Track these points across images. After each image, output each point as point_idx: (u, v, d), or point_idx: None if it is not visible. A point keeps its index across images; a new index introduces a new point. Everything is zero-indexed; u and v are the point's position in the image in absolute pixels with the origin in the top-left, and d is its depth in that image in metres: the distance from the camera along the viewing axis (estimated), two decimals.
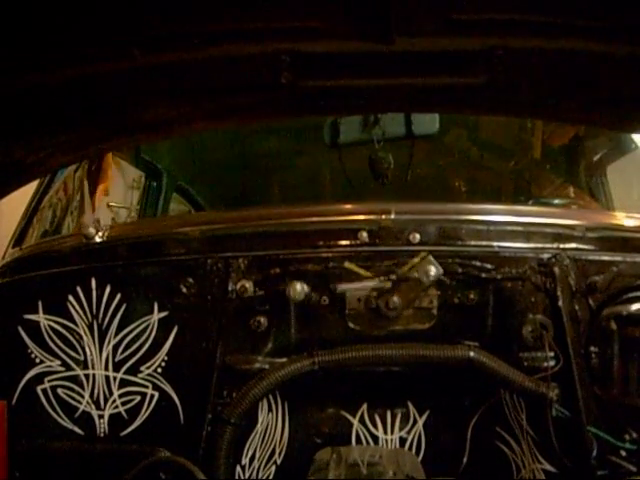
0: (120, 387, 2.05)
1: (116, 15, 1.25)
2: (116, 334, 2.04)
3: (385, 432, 2.13)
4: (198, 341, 2.02)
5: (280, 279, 1.99)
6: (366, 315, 2.01)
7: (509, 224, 2.07)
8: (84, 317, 2.05)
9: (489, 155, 3.73)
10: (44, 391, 2.07)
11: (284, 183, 3.76)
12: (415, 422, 2.13)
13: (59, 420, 2.07)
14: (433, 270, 1.91)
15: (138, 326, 2.03)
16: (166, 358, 2.03)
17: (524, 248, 2.01)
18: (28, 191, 2.77)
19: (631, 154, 3.33)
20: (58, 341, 2.06)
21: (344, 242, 2.02)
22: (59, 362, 2.07)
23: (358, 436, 2.14)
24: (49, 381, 2.07)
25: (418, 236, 1.99)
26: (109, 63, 1.36)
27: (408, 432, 2.13)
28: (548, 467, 2.01)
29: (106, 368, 2.05)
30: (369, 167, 2.84)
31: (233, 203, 3.50)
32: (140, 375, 2.04)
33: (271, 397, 2.10)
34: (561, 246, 2.01)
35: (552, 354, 1.94)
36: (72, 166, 3.00)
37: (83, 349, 2.06)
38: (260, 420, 2.10)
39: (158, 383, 2.04)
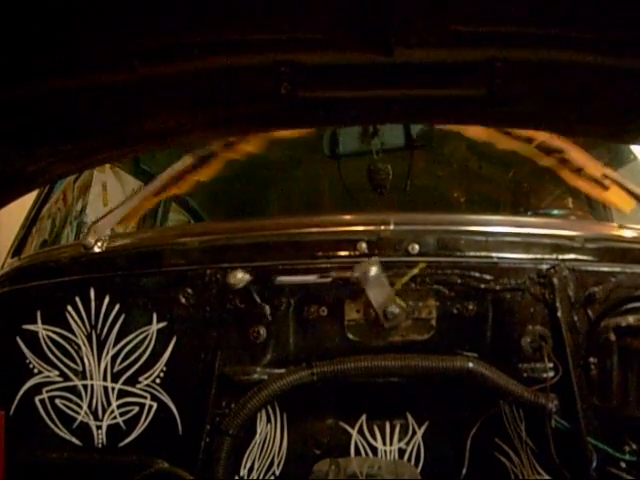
0: (118, 398, 2.05)
1: (116, 26, 1.25)
2: (115, 344, 2.04)
3: (384, 443, 2.13)
4: (197, 352, 2.02)
5: (279, 290, 1.99)
6: (365, 326, 2.01)
7: (508, 235, 2.07)
8: (83, 327, 2.05)
9: (488, 166, 3.73)
10: (42, 401, 2.07)
11: (283, 193, 3.76)
12: (414, 433, 2.12)
13: (57, 431, 2.07)
14: (374, 269, 1.90)
15: (137, 336, 2.03)
16: (165, 369, 2.03)
17: (523, 259, 2.02)
18: (27, 201, 2.77)
19: (629, 165, 3.34)
20: (56, 351, 2.06)
21: (343, 253, 2.02)
22: (57, 372, 2.06)
23: (357, 447, 2.13)
24: (47, 391, 2.06)
25: (417, 247, 1.99)
26: (109, 73, 1.36)
27: (407, 443, 2.12)
28: (547, 478, 2.01)
29: (104, 379, 2.05)
30: (368, 178, 2.84)
31: (232, 213, 3.50)
32: (138, 386, 2.04)
33: (270, 408, 2.10)
34: (560, 257, 2.01)
35: (551, 365, 1.94)
36: (71, 176, 3.00)
37: (81, 359, 2.06)
38: (259, 431, 2.09)
39: (156, 394, 2.03)
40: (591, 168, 2.13)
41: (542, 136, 2.11)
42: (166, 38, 1.30)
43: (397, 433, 2.13)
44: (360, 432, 2.13)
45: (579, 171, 2.09)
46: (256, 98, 1.53)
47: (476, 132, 2.06)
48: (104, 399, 2.05)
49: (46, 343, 2.06)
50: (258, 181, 3.65)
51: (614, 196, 2.14)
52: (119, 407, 2.05)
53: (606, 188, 2.12)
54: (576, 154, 2.12)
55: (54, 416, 2.07)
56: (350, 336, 2.02)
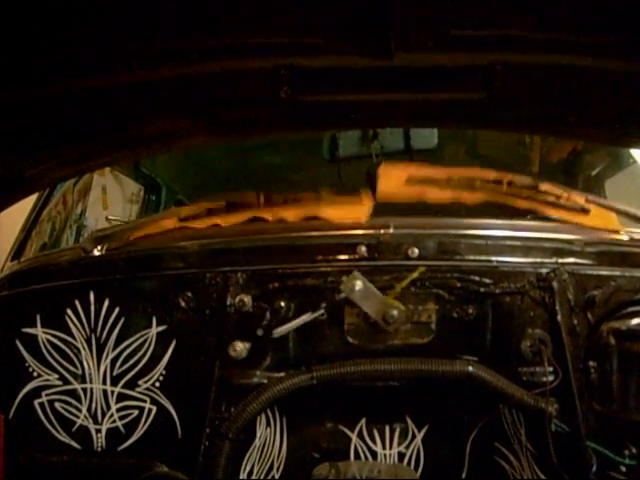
0: (118, 401, 2.05)
1: (116, 29, 1.25)
2: (114, 348, 2.04)
3: (384, 447, 2.12)
4: (196, 355, 2.01)
5: (279, 293, 1.99)
6: (365, 329, 2.01)
7: (508, 239, 2.07)
8: (82, 331, 2.04)
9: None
10: (41, 405, 2.06)
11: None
12: (414, 437, 2.12)
13: (56, 434, 2.06)
14: (359, 284, 1.92)
15: (136, 340, 2.03)
16: (164, 372, 2.02)
17: (523, 263, 2.01)
18: (27, 204, 2.77)
19: (629, 169, 3.34)
20: (56, 355, 2.05)
21: (343, 256, 2.02)
22: (57, 376, 2.06)
23: (357, 451, 2.12)
24: (47, 395, 2.06)
25: (417, 251, 1.99)
26: (109, 77, 1.37)
27: (407, 447, 2.12)
28: None
29: (104, 382, 2.04)
30: (367, 181, 2.84)
31: None
32: (138, 389, 2.04)
33: (269, 412, 2.09)
34: (560, 261, 2.00)
35: (551, 369, 1.94)
36: (71, 179, 3.01)
37: (81, 363, 2.05)
38: (258, 435, 2.09)
39: (156, 397, 2.03)
40: (568, 196, 2.16)
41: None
42: (166, 42, 1.30)
43: (397, 437, 2.13)
44: (360, 436, 2.13)
45: (556, 203, 2.12)
46: (256, 102, 1.53)
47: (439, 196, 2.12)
48: (103, 403, 2.05)
49: (45, 347, 2.05)
50: (258, 185, 3.65)
51: (596, 218, 2.15)
52: (118, 411, 2.05)
53: (587, 212, 2.13)
54: (549, 187, 2.16)
55: (53, 420, 2.06)
56: (350, 340, 2.01)
